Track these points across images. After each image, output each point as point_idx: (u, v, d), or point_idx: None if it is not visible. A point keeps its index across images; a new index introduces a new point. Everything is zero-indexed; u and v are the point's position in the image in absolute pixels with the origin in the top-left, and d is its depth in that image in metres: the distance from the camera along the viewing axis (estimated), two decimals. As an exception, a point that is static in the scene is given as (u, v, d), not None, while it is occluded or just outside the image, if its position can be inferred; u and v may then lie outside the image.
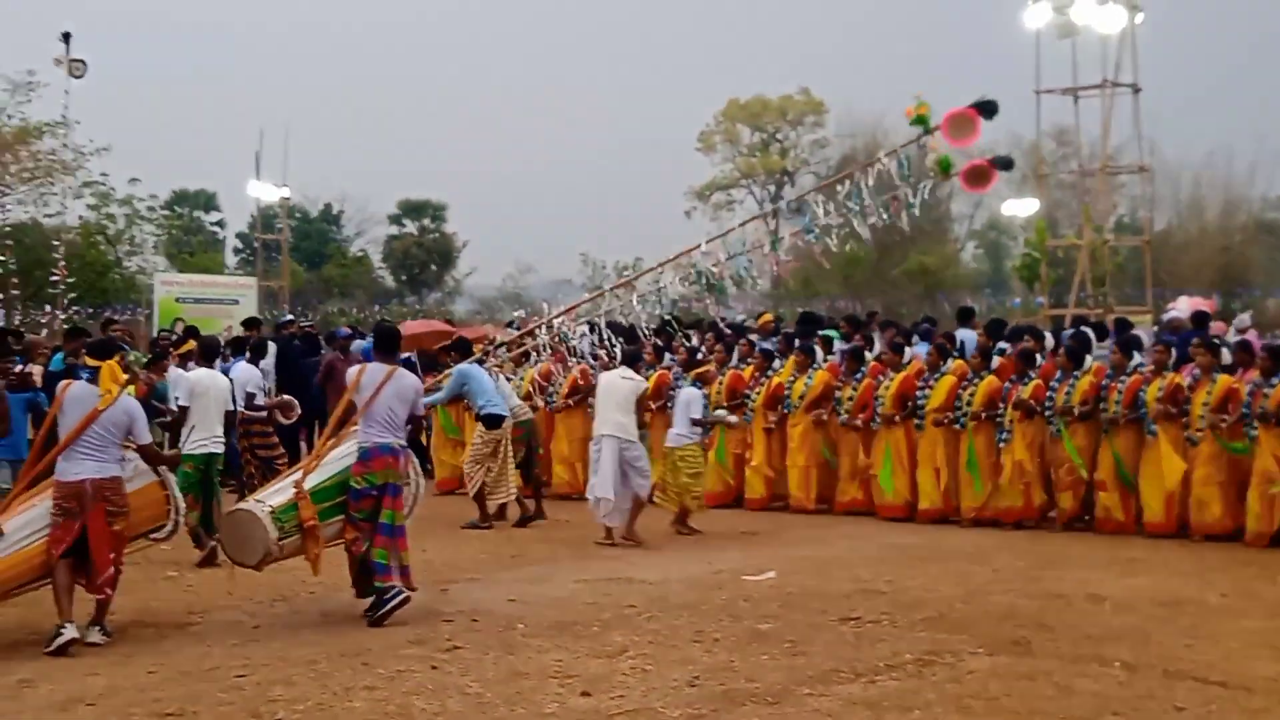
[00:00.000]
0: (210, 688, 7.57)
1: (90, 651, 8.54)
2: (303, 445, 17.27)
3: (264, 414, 14.12)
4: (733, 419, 15.20)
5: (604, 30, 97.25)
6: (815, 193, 13.60)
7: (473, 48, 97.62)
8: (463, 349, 14.64)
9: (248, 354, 15.40)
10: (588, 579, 11.02)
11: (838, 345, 17.22)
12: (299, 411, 14.85)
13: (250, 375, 14.33)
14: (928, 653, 8.30)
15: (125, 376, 9.20)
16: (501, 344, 14.73)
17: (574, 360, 15.94)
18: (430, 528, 13.67)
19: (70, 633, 8.55)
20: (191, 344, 14.21)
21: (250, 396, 13.95)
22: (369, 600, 9.42)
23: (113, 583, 8.91)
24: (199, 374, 12.20)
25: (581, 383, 16.46)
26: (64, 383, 9.42)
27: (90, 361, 9.20)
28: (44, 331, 21.37)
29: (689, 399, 13.85)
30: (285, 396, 14.80)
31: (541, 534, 13.97)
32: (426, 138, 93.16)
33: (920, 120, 12.46)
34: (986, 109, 12.38)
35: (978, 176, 12.82)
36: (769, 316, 21.31)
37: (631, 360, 13.62)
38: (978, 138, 12.54)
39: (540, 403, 16.59)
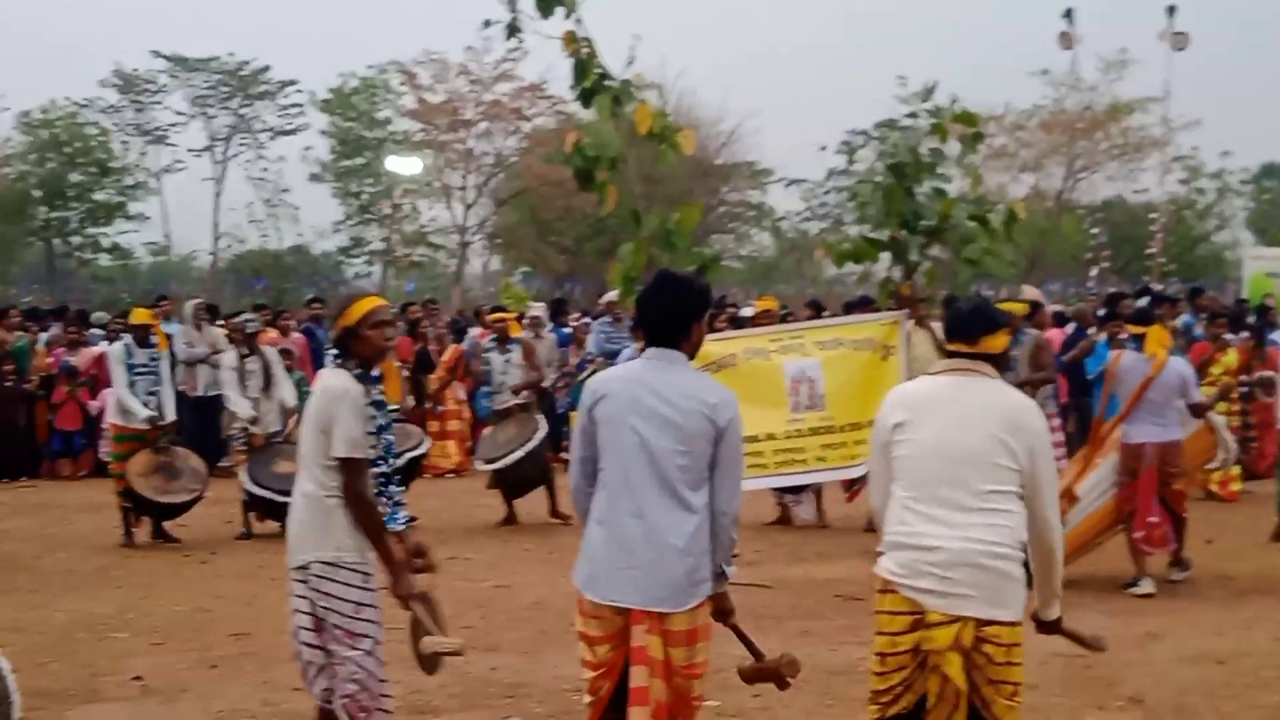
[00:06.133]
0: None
1: (1215, 611, 8.97)
2: None
3: None
4: None
5: None
6: None
7: None
8: None
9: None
10: None
11: None
12: None
13: None
14: None
15: (1170, 341, 9.70)
16: None
17: None
18: None
19: (1146, 587, 9.52)
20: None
21: None
22: None
23: (1166, 536, 9.58)
24: None
25: None
26: (1115, 352, 10.28)
27: (1132, 330, 9.96)
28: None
29: None
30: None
31: None
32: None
33: None
34: None
35: None
36: None
37: None
38: None
39: None
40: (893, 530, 4.68)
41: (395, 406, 5.27)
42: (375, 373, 5.45)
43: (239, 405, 12.36)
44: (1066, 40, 29.05)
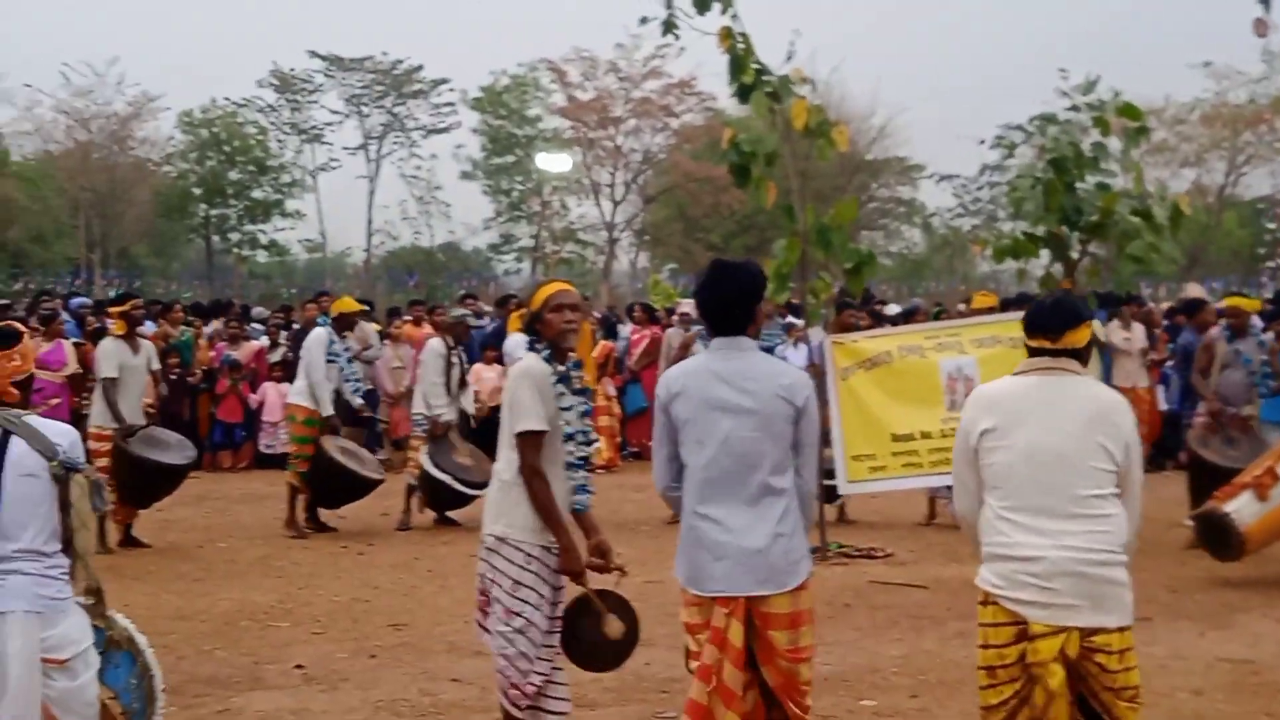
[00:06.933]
0: None
1: None
2: None
3: None
4: None
5: None
6: None
7: None
8: None
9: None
10: None
11: None
12: None
13: None
14: None
15: None
16: None
17: None
18: None
19: None
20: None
21: None
22: None
23: None
24: None
25: None
26: None
27: None
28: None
29: None
30: None
31: None
32: None
33: None
34: None
35: None
36: None
37: None
38: None
39: None
40: (990, 541, 4.59)
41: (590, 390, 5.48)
42: (575, 360, 5.55)
43: (435, 391, 12.54)
44: (1261, 27, 28.07)
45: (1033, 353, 4.72)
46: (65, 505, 4.66)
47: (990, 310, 12.98)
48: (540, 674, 5.38)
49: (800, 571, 4.69)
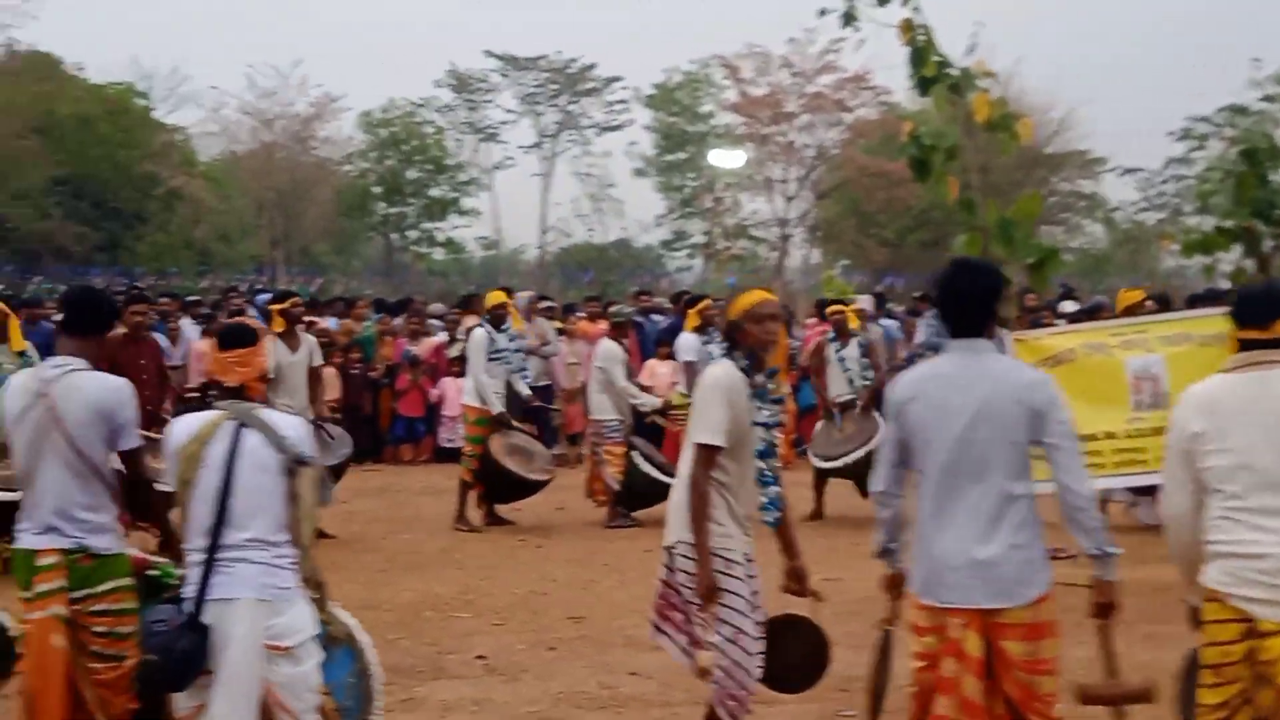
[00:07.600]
0: None
1: None
2: None
3: None
4: None
5: None
6: None
7: None
8: None
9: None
10: None
11: None
12: None
13: None
14: None
15: None
16: None
17: None
18: None
19: None
20: None
21: None
22: None
23: None
24: None
25: None
26: None
27: None
28: None
29: None
30: None
31: None
32: None
33: None
34: None
35: None
36: None
37: None
38: None
39: None
40: (1215, 540, 4.49)
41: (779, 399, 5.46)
42: (771, 368, 5.53)
43: (637, 394, 12.86)
44: None
45: (1244, 345, 4.59)
46: (292, 497, 4.80)
47: (1139, 306, 12.64)
48: (755, 681, 5.39)
49: (1038, 583, 4.53)
